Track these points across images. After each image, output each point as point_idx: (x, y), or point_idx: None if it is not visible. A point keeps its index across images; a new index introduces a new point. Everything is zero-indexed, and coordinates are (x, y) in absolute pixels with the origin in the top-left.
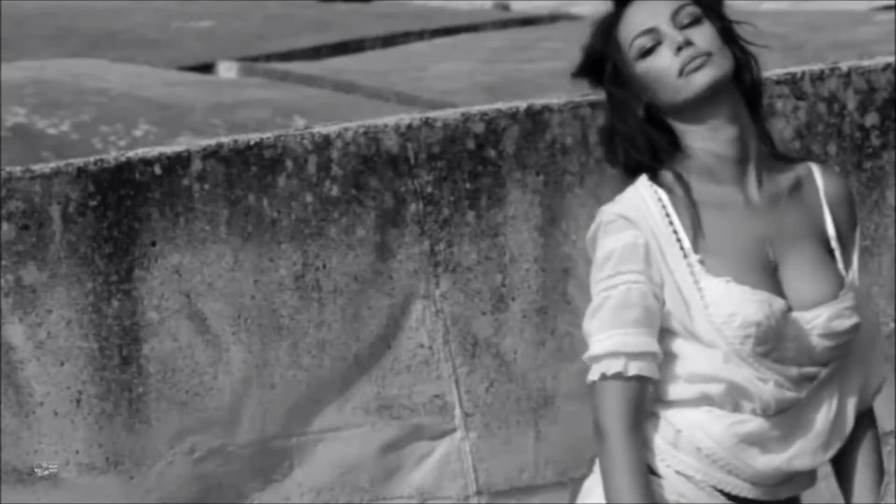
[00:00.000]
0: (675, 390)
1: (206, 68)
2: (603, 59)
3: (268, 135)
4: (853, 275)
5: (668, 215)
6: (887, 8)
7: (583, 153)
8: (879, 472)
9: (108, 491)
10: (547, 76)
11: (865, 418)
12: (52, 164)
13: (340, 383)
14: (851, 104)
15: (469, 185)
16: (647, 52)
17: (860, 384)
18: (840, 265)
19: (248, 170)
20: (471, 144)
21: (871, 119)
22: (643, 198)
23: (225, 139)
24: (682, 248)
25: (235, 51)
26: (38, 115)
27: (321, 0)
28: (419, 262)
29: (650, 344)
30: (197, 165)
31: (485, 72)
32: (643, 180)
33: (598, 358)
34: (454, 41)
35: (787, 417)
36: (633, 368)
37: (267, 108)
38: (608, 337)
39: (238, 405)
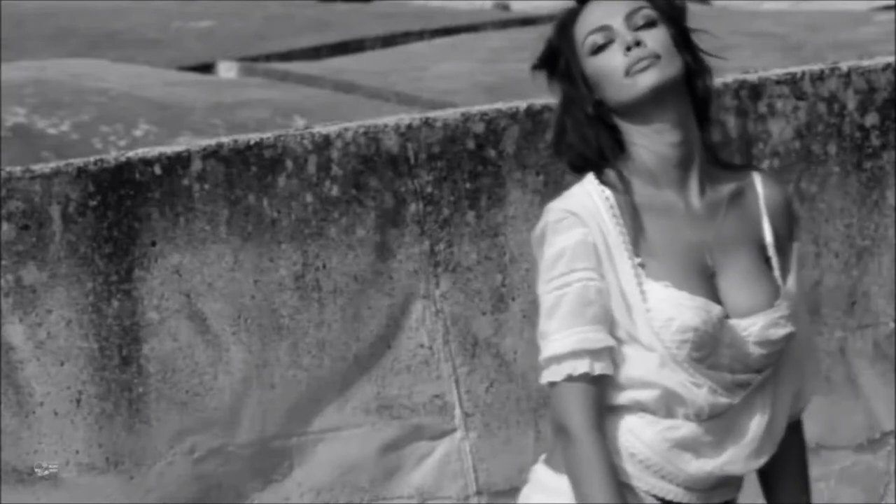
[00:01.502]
0: (610, 396)
1: (206, 68)
2: (557, 55)
3: (268, 135)
4: (790, 284)
5: (615, 215)
6: (887, 8)
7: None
8: (805, 483)
9: (108, 491)
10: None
11: (794, 429)
12: (52, 164)
13: (340, 383)
14: (851, 104)
15: (469, 185)
16: (598, 50)
17: (793, 393)
18: (777, 274)
19: (248, 170)
20: (471, 144)
21: (871, 119)
22: (591, 196)
23: (225, 139)
24: (627, 249)
25: (235, 51)
26: (38, 115)
27: (321, 0)
28: (419, 262)
29: (608, 339)
30: (197, 165)
31: (485, 72)
32: (590, 179)
33: (560, 358)
34: (454, 41)
35: (719, 423)
36: (599, 368)
37: (267, 108)
38: (569, 335)
39: (238, 405)
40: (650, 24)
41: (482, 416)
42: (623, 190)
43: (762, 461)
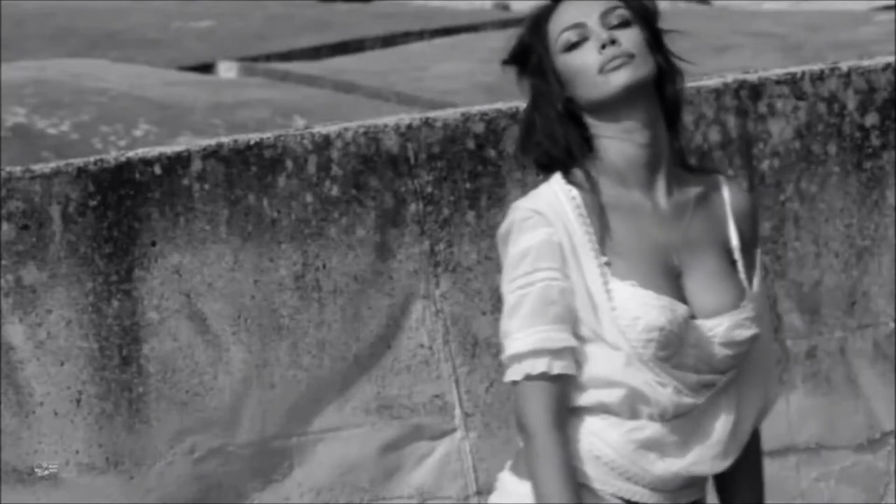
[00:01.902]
0: (574, 397)
1: (206, 68)
2: (529, 51)
3: (268, 135)
4: (755, 287)
5: (581, 214)
6: (887, 8)
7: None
8: (759, 490)
9: (108, 491)
10: None
11: (753, 438)
12: (52, 164)
13: (340, 383)
14: (851, 104)
15: (469, 185)
16: (572, 47)
17: (760, 397)
18: (743, 276)
19: (248, 170)
20: (471, 144)
21: (871, 119)
22: (557, 196)
23: (225, 139)
24: (593, 248)
25: (235, 51)
26: (38, 115)
27: (321, 0)
28: (419, 262)
29: (570, 339)
30: (197, 165)
31: (485, 72)
32: (557, 178)
33: (520, 357)
34: (454, 41)
35: (684, 423)
36: (558, 367)
37: (267, 108)
38: (530, 335)
39: (238, 405)
40: (625, 24)
41: (482, 416)
42: (590, 189)
43: (729, 462)
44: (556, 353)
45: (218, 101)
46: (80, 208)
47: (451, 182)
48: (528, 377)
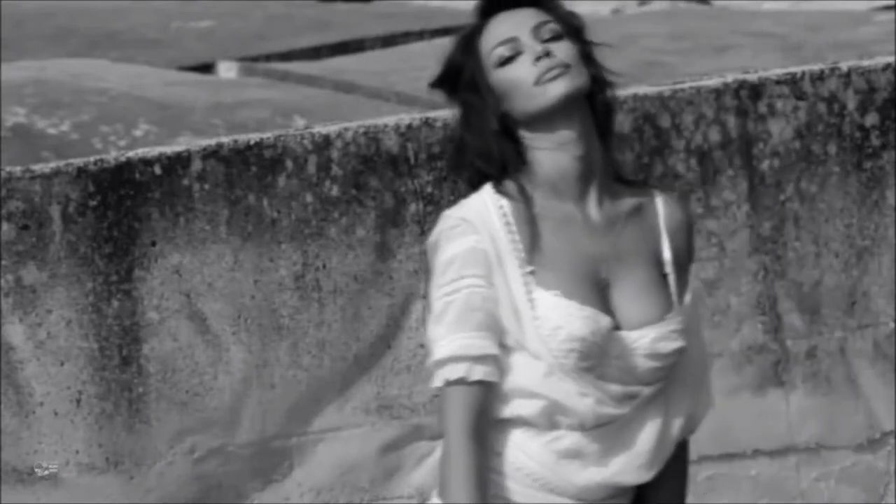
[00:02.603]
0: (496, 408)
1: (206, 68)
2: (461, 70)
3: (268, 135)
4: (686, 301)
5: (508, 223)
6: (887, 8)
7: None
8: (680, 500)
9: (108, 491)
10: None
11: (679, 449)
12: (52, 164)
13: (340, 383)
14: (851, 104)
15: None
16: (505, 62)
17: (688, 410)
18: (673, 290)
19: (248, 170)
20: None
21: (871, 119)
22: (486, 205)
23: (225, 139)
24: (518, 257)
25: (235, 51)
26: (38, 115)
27: (321, 0)
28: (419, 262)
29: (492, 347)
30: (197, 165)
31: None
32: (488, 188)
33: (441, 363)
34: None
35: (607, 432)
36: (477, 373)
37: (267, 108)
38: (451, 341)
39: (238, 405)
40: (557, 37)
41: None
42: (521, 199)
43: (654, 472)
44: (476, 359)
45: (218, 101)
46: (80, 208)
47: (451, 182)
48: (448, 382)
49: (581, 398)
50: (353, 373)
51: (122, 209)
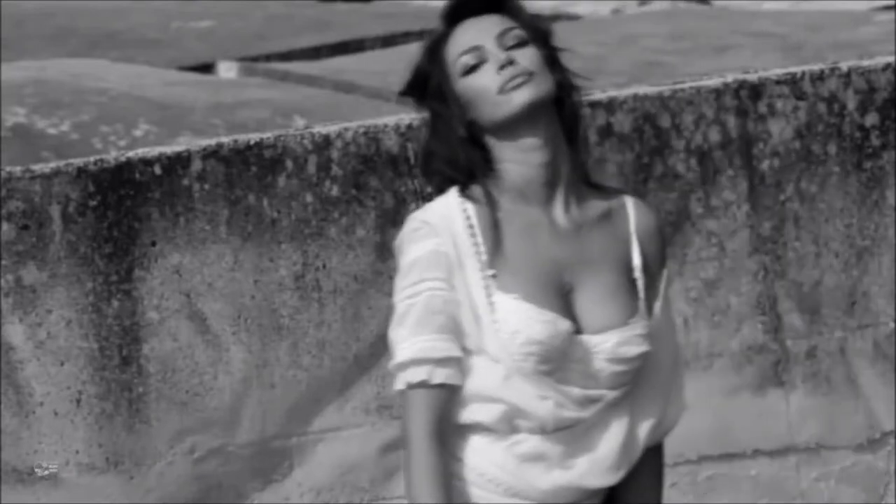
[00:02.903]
0: (457, 412)
1: (206, 68)
2: (427, 78)
3: (268, 135)
4: (656, 308)
5: (470, 227)
6: (887, 8)
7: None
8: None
9: (108, 491)
10: None
11: (653, 453)
12: (52, 164)
13: (340, 383)
14: (851, 104)
15: None
16: (470, 70)
17: (657, 415)
18: (641, 295)
19: (248, 170)
20: None
21: (871, 119)
22: (450, 208)
23: (225, 139)
24: (479, 260)
25: (235, 51)
26: (38, 115)
27: (321, 0)
28: None
29: (454, 349)
30: (197, 165)
31: None
32: (453, 192)
33: (403, 365)
34: None
35: (568, 436)
36: (439, 376)
37: (267, 108)
38: (413, 344)
39: (238, 405)
40: (521, 44)
41: None
42: (485, 203)
43: (620, 475)
44: (438, 362)
45: (218, 101)
46: (80, 208)
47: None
48: (410, 385)
49: (541, 401)
50: (353, 373)
51: (122, 209)
